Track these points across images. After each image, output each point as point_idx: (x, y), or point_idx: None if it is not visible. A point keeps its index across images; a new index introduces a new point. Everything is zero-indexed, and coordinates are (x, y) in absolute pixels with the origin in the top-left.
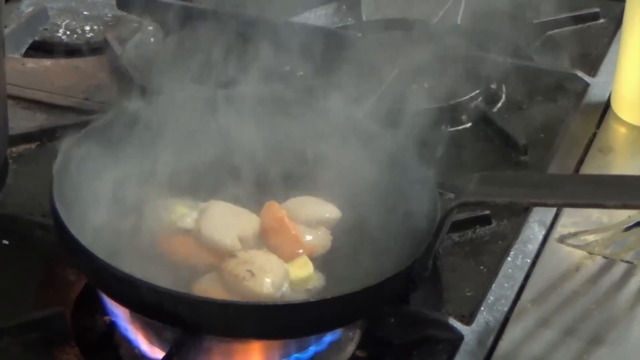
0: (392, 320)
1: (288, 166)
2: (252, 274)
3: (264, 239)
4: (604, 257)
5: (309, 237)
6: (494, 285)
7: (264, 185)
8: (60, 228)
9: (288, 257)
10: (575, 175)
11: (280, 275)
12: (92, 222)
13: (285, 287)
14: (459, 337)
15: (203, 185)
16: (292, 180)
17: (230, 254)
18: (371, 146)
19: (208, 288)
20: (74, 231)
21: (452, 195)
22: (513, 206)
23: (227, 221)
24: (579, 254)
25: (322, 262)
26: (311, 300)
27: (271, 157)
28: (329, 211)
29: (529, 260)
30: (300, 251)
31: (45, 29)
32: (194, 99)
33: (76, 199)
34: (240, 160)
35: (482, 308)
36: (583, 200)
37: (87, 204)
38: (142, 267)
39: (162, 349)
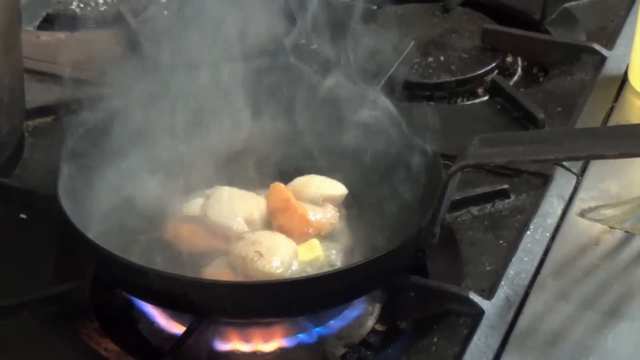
0: (412, 294)
1: (292, 147)
2: (261, 255)
3: (272, 220)
4: (624, 231)
5: (316, 216)
6: (513, 259)
7: (269, 168)
8: (67, 223)
9: (297, 237)
10: (573, 129)
11: (289, 254)
12: (98, 214)
13: (295, 266)
14: (480, 312)
15: (208, 170)
16: (298, 160)
17: (238, 237)
18: (374, 120)
19: (217, 272)
20: (80, 224)
21: None
22: (513, 165)
23: (233, 205)
24: (598, 227)
25: (331, 238)
26: (320, 274)
27: (275, 139)
28: (335, 188)
29: (548, 234)
30: (310, 230)
31: (59, 2)
32: (194, 79)
33: (82, 191)
34: (245, 144)
35: (502, 282)
36: (582, 152)
37: (94, 195)
38: (150, 257)
39: (181, 324)
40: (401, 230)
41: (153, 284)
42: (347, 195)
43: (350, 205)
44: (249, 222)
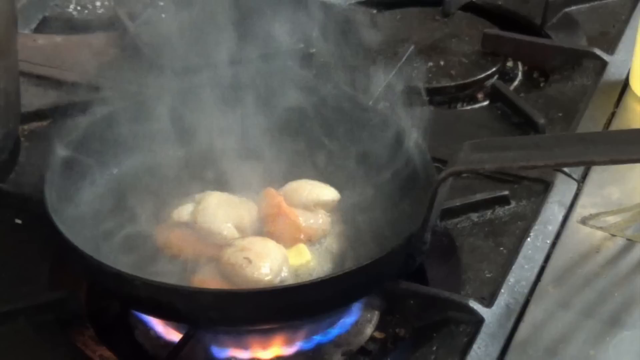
0: (411, 302)
1: (286, 151)
2: (250, 261)
3: (263, 226)
4: (625, 238)
5: (308, 221)
6: (514, 266)
7: (262, 172)
8: (55, 231)
9: (288, 243)
10: (564, 134)
11: (279, 260)
12: (87, 221)
13: (285, 273)
14: (480, 320)
15: (199, 176)
16: (291, 164)
17: (228, 243)
18: (367, 125)
19: (207, 279)
20: (69, 232)
21: None
22: (503, 171)
23: (223, 211)
24: (599, 235)
25: (323, 244)
26: (307, 282)
27: (268, 144)
28: (328, 194)
29: (549, 242)
30: (302, 236)
31: (56, 5)
32: (185, 87)
33: (72, 197)
34: (238, 148)
35: (502, 290)
36: (572, 159)
37: (84, 201)
38: (139, 264)
39: (178, 331)
40: (393, 236)
41: (140, 292)
42: (340, 200)
43: (343, 211)
44: (239, 228)
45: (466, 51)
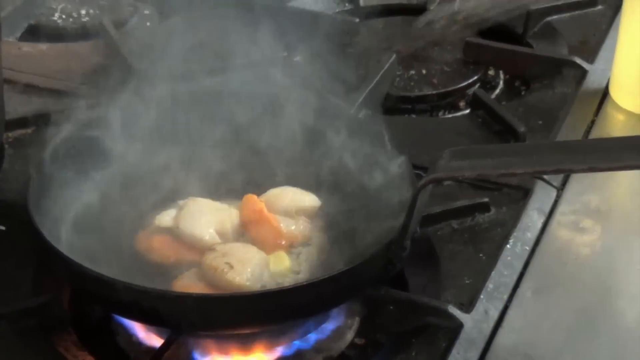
0: (391, 307)
1: (266, 158)
2: (231, 266)
3: (245, 232)
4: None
5: (289, 227)
6: (493, 272)
7: (243, 179)
8: (38, 235)
9: (269, 249)
10: (544, 142)
11: (260, 265)
12: (70, 226)
13: (266, 278)
14: (459, 325)
15: (181, 182)
16: (272, 171)
17: (209, 248)
18: (349, 133)
19: (188, 284)
20: (52, 237)
21: None
22: (483, 178)
23: (205, 217)
24: (577, 241)
25: (304, 250)
26: (287, 287)
27: (249, 150)
28: (309, 200)
29: (528, 248)
30: (283, 242)
31: (41, 13)
32: (167, 94)
33: (55, 202)
34: (219, 155)
35: (481, 296)
36: (550, 167)
37: (66, 206)
38: (122, 269)
39: (160, 336)
40: (374, 242)
41: (122, 296)
42: (320, 207)
43: (324, 217)
44: (221, 234)
45: (448, 59)
